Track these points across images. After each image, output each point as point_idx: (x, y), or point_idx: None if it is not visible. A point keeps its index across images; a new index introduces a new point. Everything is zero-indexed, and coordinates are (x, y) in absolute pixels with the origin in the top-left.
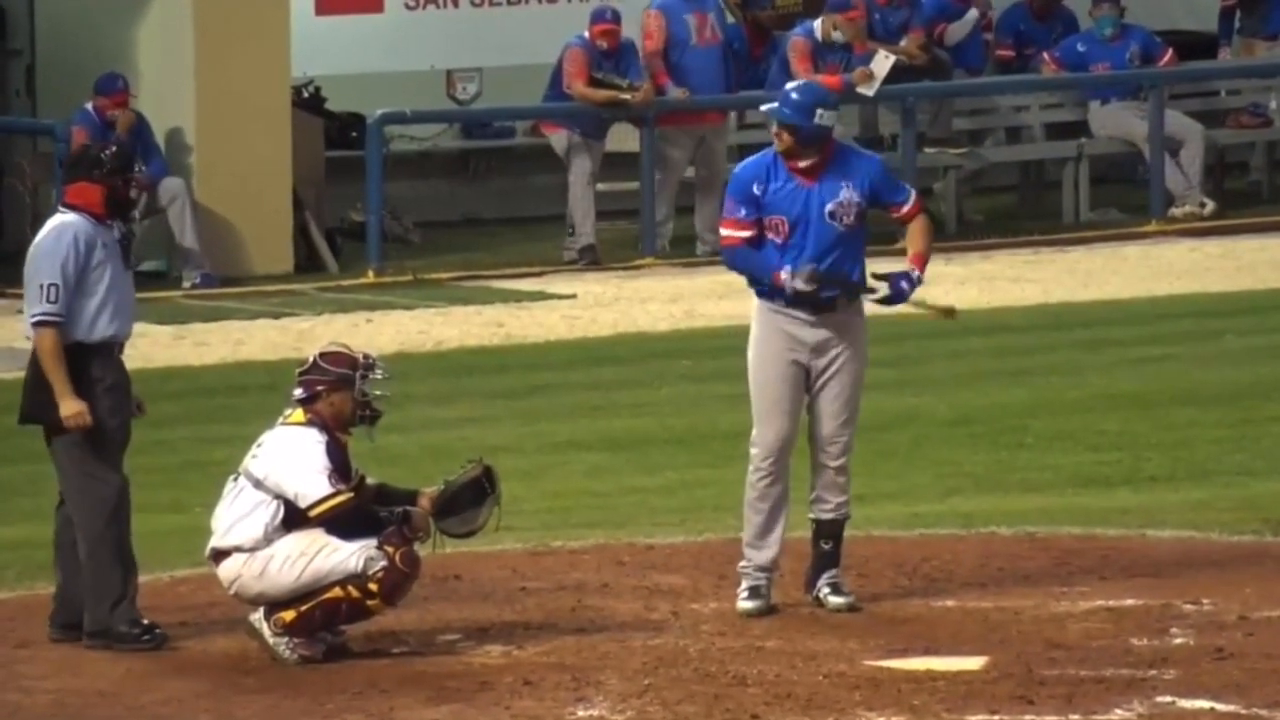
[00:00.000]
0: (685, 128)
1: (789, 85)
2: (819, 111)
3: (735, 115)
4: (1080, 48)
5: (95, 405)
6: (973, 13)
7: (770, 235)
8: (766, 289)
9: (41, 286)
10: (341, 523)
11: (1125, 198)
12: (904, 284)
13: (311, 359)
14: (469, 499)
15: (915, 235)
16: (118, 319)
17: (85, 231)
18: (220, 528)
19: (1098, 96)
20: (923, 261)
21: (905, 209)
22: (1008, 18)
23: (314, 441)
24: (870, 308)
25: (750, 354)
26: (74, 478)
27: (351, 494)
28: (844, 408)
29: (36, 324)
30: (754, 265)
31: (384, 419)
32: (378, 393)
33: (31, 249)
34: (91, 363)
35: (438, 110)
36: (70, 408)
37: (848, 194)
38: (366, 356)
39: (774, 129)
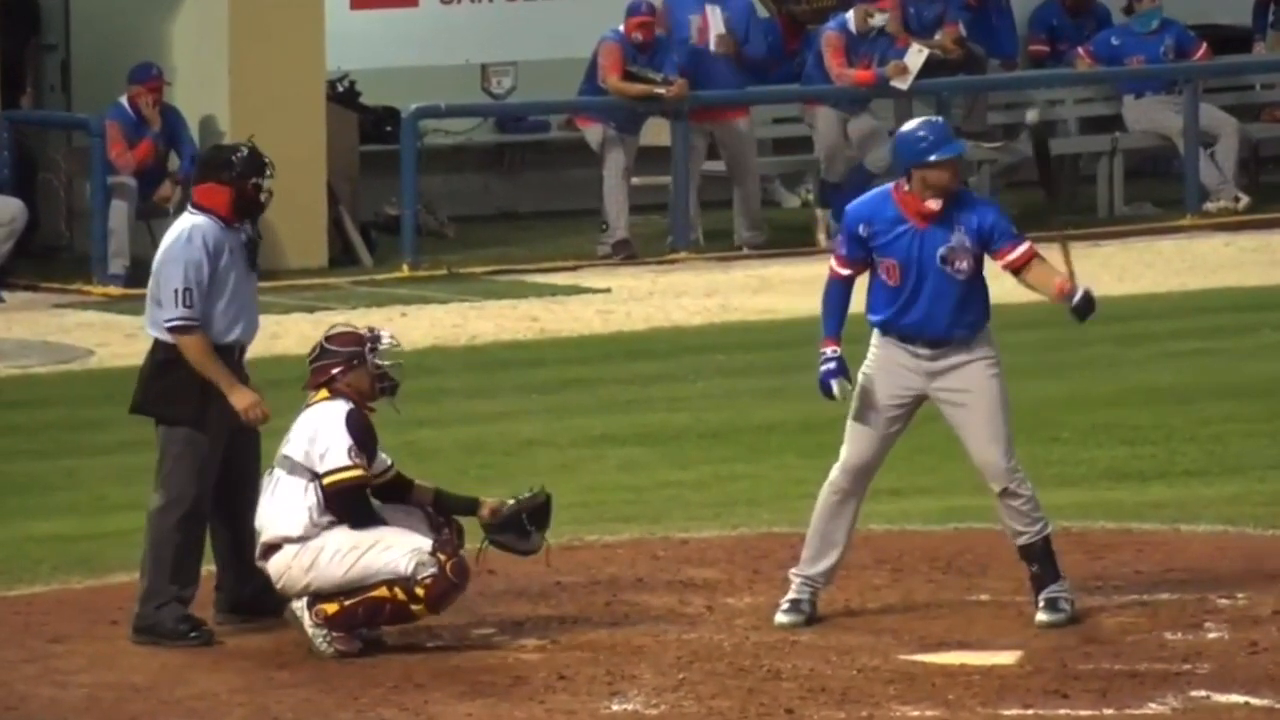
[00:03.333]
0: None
1: (920, 128)
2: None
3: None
4: (1114, 42)
5: (215, 406)
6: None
7: (883, 276)
8: (880, 322)
9: (176, 292)
10: (403, 523)
11: (1160, 192)
12: (1082, 300)
13: (319, 344)
14: (522, 524)
15: (1043, 274)
16: (241, 323)
17: (213, 234)
18: (265, 522)
19: (1132, 90)
20: (1064, 283)
21: (1014, 255)
22: (1041, 13)
23: (339, 412)
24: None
25: (860, 374)
26: (165, 471)
27: (363, 472)
28: (985, 428)
29: (176, 330)
30: (826, 308)
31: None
32: (388, 363)
33: (160, 251)
34: None
35: (472, 104)
36: (244, 399)
37: (959, 237)
38: (371, 329)
39: (932, 176)
